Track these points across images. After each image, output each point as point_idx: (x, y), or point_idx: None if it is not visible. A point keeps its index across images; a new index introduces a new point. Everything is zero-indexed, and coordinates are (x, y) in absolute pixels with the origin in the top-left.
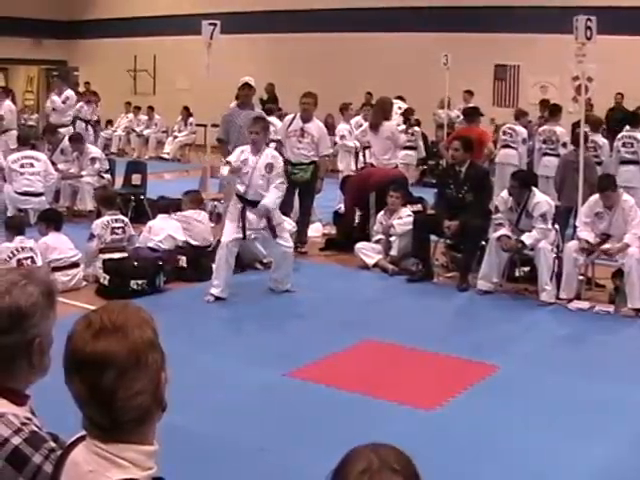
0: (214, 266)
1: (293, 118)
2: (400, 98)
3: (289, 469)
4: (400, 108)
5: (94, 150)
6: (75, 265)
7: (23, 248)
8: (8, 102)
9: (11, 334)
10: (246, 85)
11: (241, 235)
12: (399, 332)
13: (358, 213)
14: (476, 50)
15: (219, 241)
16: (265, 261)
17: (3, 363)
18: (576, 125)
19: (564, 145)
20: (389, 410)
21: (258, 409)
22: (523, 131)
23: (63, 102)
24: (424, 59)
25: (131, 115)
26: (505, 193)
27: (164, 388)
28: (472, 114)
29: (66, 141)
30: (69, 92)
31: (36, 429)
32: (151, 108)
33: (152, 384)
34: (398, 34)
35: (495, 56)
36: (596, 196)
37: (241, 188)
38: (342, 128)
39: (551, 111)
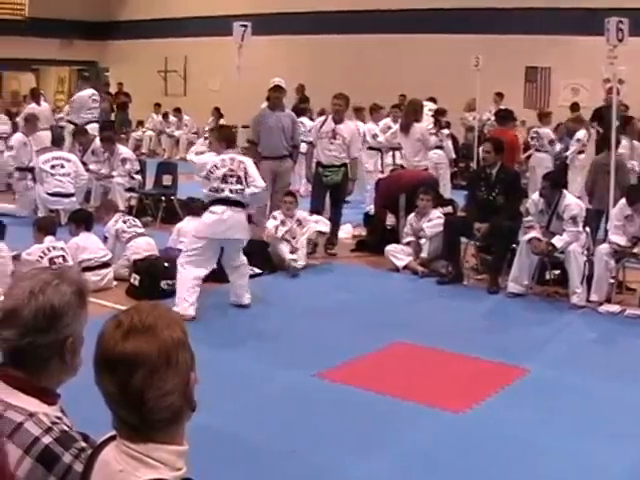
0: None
1: (325, 120)
2: (431, 100)
3: (319, 470)
4: (431, 110)
5: (125, 151)
6: (105, 265)
7: (54, 247)
8: (33, 105)
9: (45, 333)
10: (277, 87)
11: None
12: (429, 334)
13: (389, 215)
14: (507, 52)
15: (251, 240)
16: (292, 263)
17: (36, 362)
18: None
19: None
20: (419, 412)
21: (288, 410)
22: (547, 132)
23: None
24: (455, 61)
25: (155, 116)
26: (536, 195)
27: (194, 388)
28: (505, 117)
29: (97, 142)
30: (86, 91)
31: (66, 428)
32: (178, 110)
33: (182, 384)
34: (429, 36)
35: (526, 58)
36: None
37: None
38: (371, 128)
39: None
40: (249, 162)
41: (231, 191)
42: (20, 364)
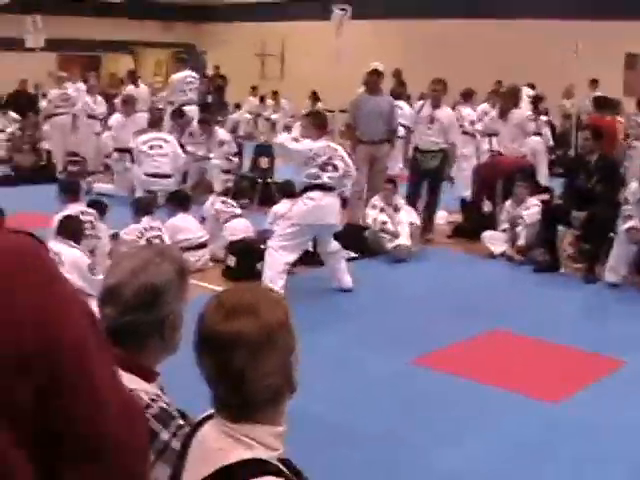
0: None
1: (423, 104)
2: (530, 86)
3: (412, 452)
4: (529, 96)
5: (222, 133)
6: (202, 246)
7: (151, 227)
8: (130, 87)
9: (145, 311)
10: (374, 71)
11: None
12: (525, 322)
13: (487, 201)
14: (606, 38)
15: (348, 224)
16: (396, 248)
17: (136, 340)
18: None
19: None
20: (512, 400)
21: (383, 395)
22: None
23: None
24: (552, 47)
25: (252, 99)
26: (635, 184)
27: (295, 370)
28: (603, 104)
29: (194, 123)
30: (182, 73)
31: (165, 406)
32: (275, 93)
33: (282, 365)
34: (526, 20)
35: (626, 44)
36: None
37: None
38: (468, 113)
39: None
40: (342, 150)
41: (329, 178)
42: (120, 341)
